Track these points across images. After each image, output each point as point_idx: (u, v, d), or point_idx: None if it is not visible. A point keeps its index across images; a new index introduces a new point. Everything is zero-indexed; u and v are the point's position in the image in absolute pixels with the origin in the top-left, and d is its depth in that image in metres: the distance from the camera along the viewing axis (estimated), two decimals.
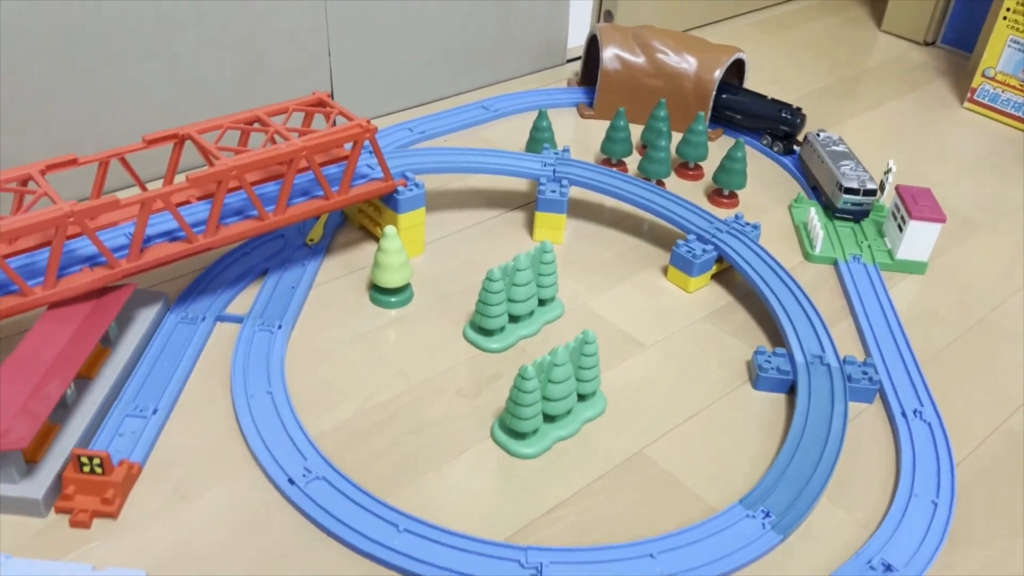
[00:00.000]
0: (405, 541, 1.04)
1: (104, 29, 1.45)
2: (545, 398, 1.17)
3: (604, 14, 2.24)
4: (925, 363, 1.38)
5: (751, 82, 2.19)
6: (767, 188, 1.81)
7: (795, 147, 1.89)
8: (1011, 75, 2.08)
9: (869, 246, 1.61)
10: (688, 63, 1.92)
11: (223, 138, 1.34)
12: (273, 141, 1.32)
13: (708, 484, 1.17)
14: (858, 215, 1.67)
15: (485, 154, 1.60)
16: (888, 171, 1.67)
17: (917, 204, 1.56)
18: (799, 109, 1.89)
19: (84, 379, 1.18)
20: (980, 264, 1.64)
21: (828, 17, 2.65)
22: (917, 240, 1.56)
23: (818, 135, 1.77)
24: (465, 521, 1.08)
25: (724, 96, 1.93)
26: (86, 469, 1.04)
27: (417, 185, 1.46)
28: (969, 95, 2.16)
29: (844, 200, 1.64)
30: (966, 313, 1.51)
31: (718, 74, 1.90)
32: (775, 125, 1.89)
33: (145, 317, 1.29)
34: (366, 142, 1.39)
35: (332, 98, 1.75)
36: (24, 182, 1.19)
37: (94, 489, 1.05)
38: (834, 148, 1.73)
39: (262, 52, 1.67)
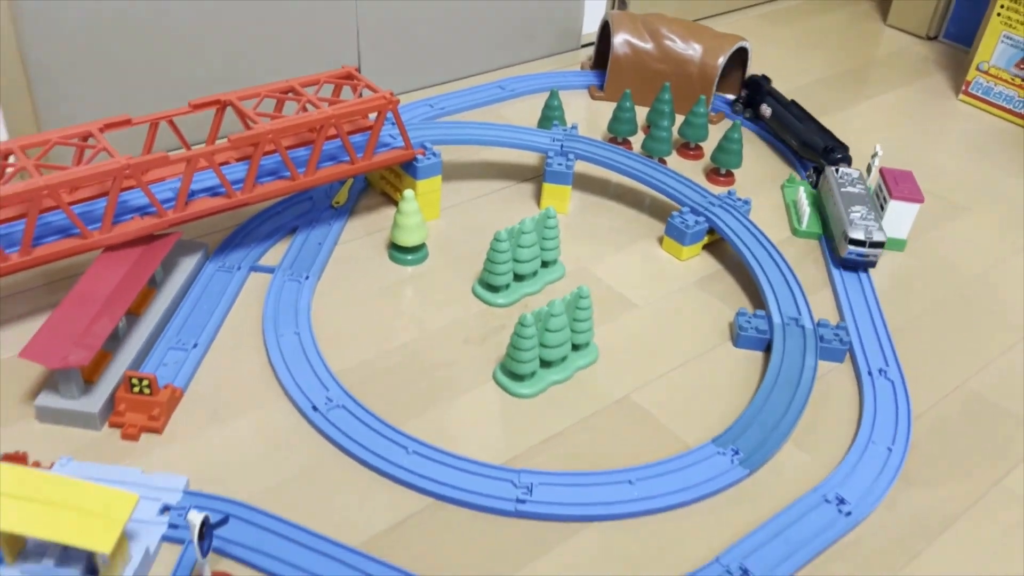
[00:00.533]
0: (414, 461, 1.18)
1: (158, 5, 1.59)
2: (542, 344, 1.31)
3: (618, 2, 2.36)
4: (896, 330, 1.51)
5: (753, 71, 2.30)
6: (763, 169, 1.93)
7: None
8: (1003, 69, 2.18)
9: None
10: (694, 50, 2.04)
11: (260, 105, 1.48)
12: (305, 109, 1.46)
13: (686, 426, 1.30)
14: (863, 266, 1.60)
15: (498, 128, 1.74)
16: (875, 155, 1.78)
17: (898, 185, 1.68)
18: (846, 148, 1.80)
19: (133, 315, 1.33)
20: (960, 243, 1.76)
21: (836, 11, 2.76)
22: (897, 218, 1.68)
23: (836, 171, 1.71)
24: (467, 447, 1.22)
25: (769, 105, 1.92)
26: (136, 390, 1.19)
27: (434, 154, 1.59)
28: (964, 88, 2.26)
29: (849, 251, 1.57)
30: (940, 287, 1.63)
31: (721, 61, 2.02)
32: (817, 158, 1.82)
33: (187, 264, 1.44)
34: (389, 113, 1.52)
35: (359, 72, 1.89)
36: (84, 138, 1.34)
37: (142, 408, 1.20)
38: (849, 189, 1.65)
39: (297, 28, 1.80)
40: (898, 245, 1.71)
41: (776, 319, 1.45)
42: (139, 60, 1.63)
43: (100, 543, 0.93)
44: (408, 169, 1.59)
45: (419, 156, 1.57)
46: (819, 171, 1.80)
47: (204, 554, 0.95)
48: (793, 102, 1.94)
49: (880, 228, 1.57)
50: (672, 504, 1.17)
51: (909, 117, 2.20)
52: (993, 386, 1.43)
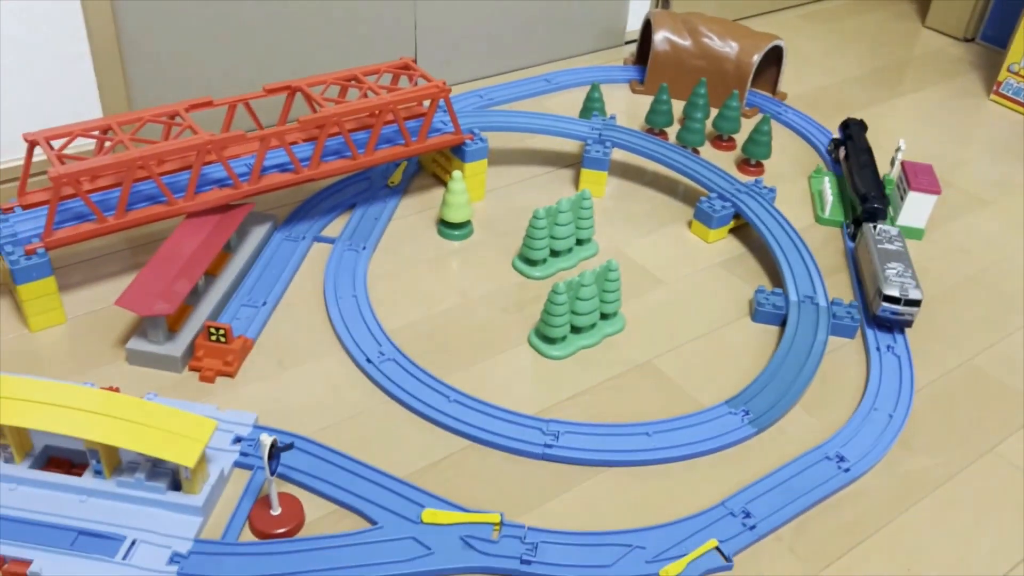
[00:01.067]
0: (454, 408, 1.32)
1: (234, 5, 1.77)
2: (573, 312, 1.44)
3: (661, 1, 2.48)
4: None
5: (791, 68, 2.41)
6: (792, 160, 2.04)
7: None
8: None
9: None
10: (730, 47, 2.16)
11: (326, 91, 1.64)
12: (366, 96, 1.61)
13: (702, 389, 1.43)
14: (898, 325, 1.52)
15: (541, 117, 1.87)
16: (898, 149, 1.88)
17: (917, 178, 1.77)
18: (886, 201, 1.71)
19: (211, 276, 1.50)
20: (977, 234, 1.85)
21: (876, 12, 2.84)
22: (915, 209, 1.78)
23: (874, 227, 1.63)
24: (502, 399, 1.36)
25: (846, 148, 1.88)
26: (213, 338, 1.36)
27: (482, 140, 1.74)
28: (995, 88, 2.34)
29: (883, 308, 1.50)
30: (954, 272, 1.73)
31: (756, 58, 2.13)
32: (856, 204, 1.74)
33: (258, 233, 1.60)
34: (441, 101, 1.67)
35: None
36: (172, 117, 1.51)
37: (218, 354, 1.36)
38: (887, 246, 1.58)
39: (361, 23, 1.96)
40: (916, 234, 1.80)
41: (792, 297, 1.56)
42: (220, 48, 1.80)
43: (185, 458, 1.09)
44: (457, 153, 1.74)
45: (467, 141, 1.72)
46: (857, 223, 1.72)
47: (272, 472, 1.11)
48: (867, 149, 1.86)
49: (917, 286, 1.49)
50: (685, 455, 1.30)
51: (939, 115, 2.28)
52: (996, 364, 1.52)
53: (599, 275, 1.48)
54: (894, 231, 1.62)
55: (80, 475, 1.16)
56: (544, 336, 1.46)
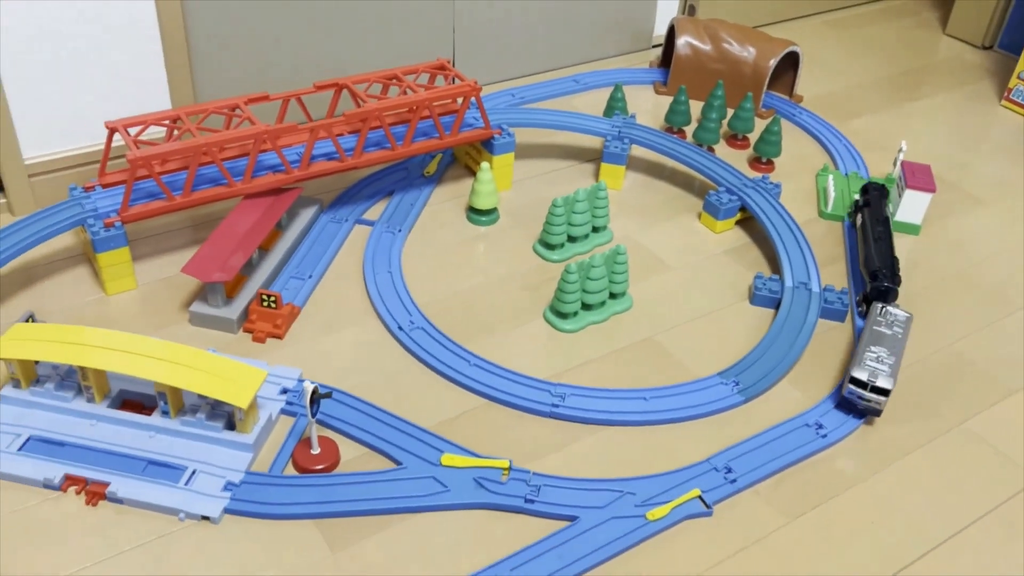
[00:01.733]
0: (474, 371, 1.50)
1: (291, 5, 1.95)
2: (584, 290, 1.61)
3: (688, 8, 2.62)
4: (900, 298, 1.74)
5: (811, 72, 2.54)
6: (803, 159, 2.17)
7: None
8: None
9: None
10: (748, 52, 2.29)
11: (369, 88, 1.82)
12: (405, 93, 1.79)
13: (699, 363, 1.58)
14: (862, 413, 1.46)
15: (566, 115, 2.04)
16: (900, 150, 2.00)
17: (915, 176, 1.90)
18: (897, 281, 1.64)
19: (263, 250, 1.69)
20: (972, 231, 1.97)
21: (899, 19, 2.94)
22: (912, 205, 1.91)
23: (880, 308, 1.56)
24: (516, 365, 1.53)
25: (863, 216, 1.80)
26: (265, 304, 1.54)
27: (509, 135, 1.90)
28: (1006, 94, 2.44)
29: (849, 391, 1.45)
30: (946, 265, 1.86)
31: (772, 62, 2.27)
32: (867, 280, 1.68)
33: (306, 215, 1.79)
34: (472, 99, 1.84)
35: (452, 65, 2.23)
36: (232, 109, 1.70)
37: (269, 318, 1.55)
38: (883, 329, 1.51)
39: (403, 26, 2.14)
40: (913, 229, 1.93)
41: (788, 283, 1.70)
42: (276, 48, 1.99)
43: (239, 400, 1.28)
44: (487, 146, 1.91)
45: (496, 135, 1.89)
46: (868, 299, 1.66)
47: (313, 415, 1.29)
48: (884, 219, 1.79)
49: (891, 375, 1.42)
50: (676, 418, 1.45)
51: (949, 119, 2.39)
52: (974, 349, 1.65)
53: (608, 258, 1.64)
54: (902, 315, 1.53)
55: (149, 415, 1.35)
56: (557, 311, 1.62)
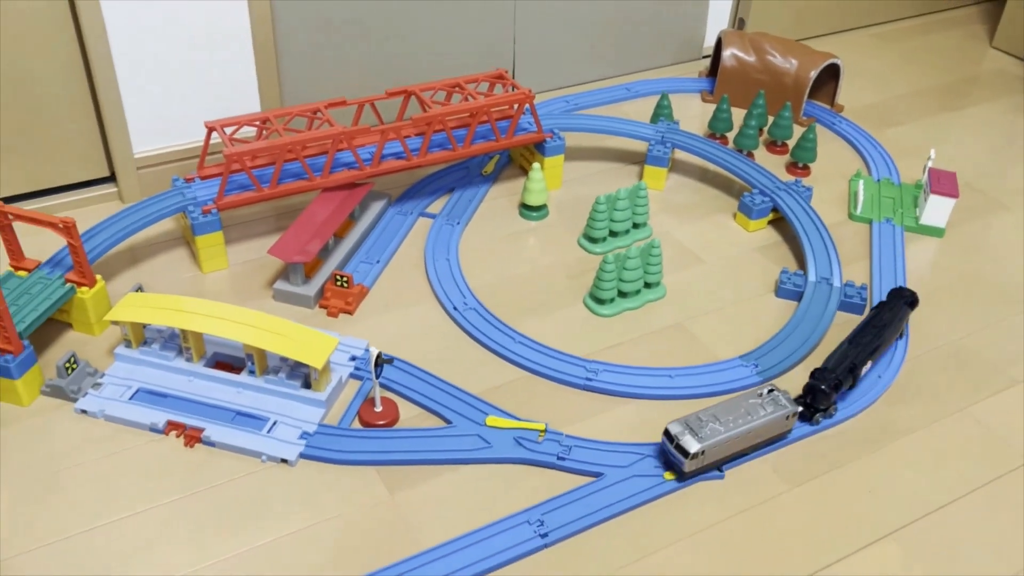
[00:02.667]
0: (518, 347, 1.69)
1: (369, 22, 2.17)
2: (620, 279, 1.78)
3: (737, 21, 2.77)
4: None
5: (852, 82, 2.66)
6: (839, 165, 2.31)
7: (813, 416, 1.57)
8: None
9: (902, 213, 2.09)
10: (790, 64, 2.44)
11: (435, 95, 2.02)
12: (466, 100, 1.99)
13: (723, 348, 1.74)
14: (671, 466, 1.46)
15: (612, 120, 2.22)
16: (929, 158, 2.13)
17: (939, 183, 2.03)
18: (835, 386, 1.54)
19: (338, 237, 1.91)
20: (996, 235, 2.08)
21: (947, 31, 3.04)
22: (935, 210, 2.03)
23: (771, 390, 1.51)
24: (557, 344, 1.71)
25: (881, 305, 1.71)
26: (338, 283, 1.76)
27: (560, 138, 2.09)
28: None
29: (663, 438, 1.45)
30: (965, 265, 1.98)
31: (813, 74, 2.41)
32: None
33: (376, 207, 2.01)
34: (527, 105, 2.03)
35: (513, 74, 2.43)
36: (314, 112, 1.93)
37: (341, 296, 1.77)
38: (750, 402, 1.48)
39: (467, 38, 2.34)
40: (937, 233, 2.06)
41: (811, 278, 1.85)
42: (353, 58, 2.21)
43: (315, 361, 1.49)
44: (539, 148, 2.10)
45: (547, 139, 2.08)
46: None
47: (377, 378, 1.50)
48: (883, 326, 1.66)
49: (701, 442, 1.41)
50: (698, 394, 1.62)
51: (986, 128, 2.50)
52: (984, 342, 1.78)
53: (644, 251, 1.81)
54: (787, 408, 1.49)
55: (238, 374, 1.58)
56: (595, 298, 1.80)
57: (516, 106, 2.03)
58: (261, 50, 2.04)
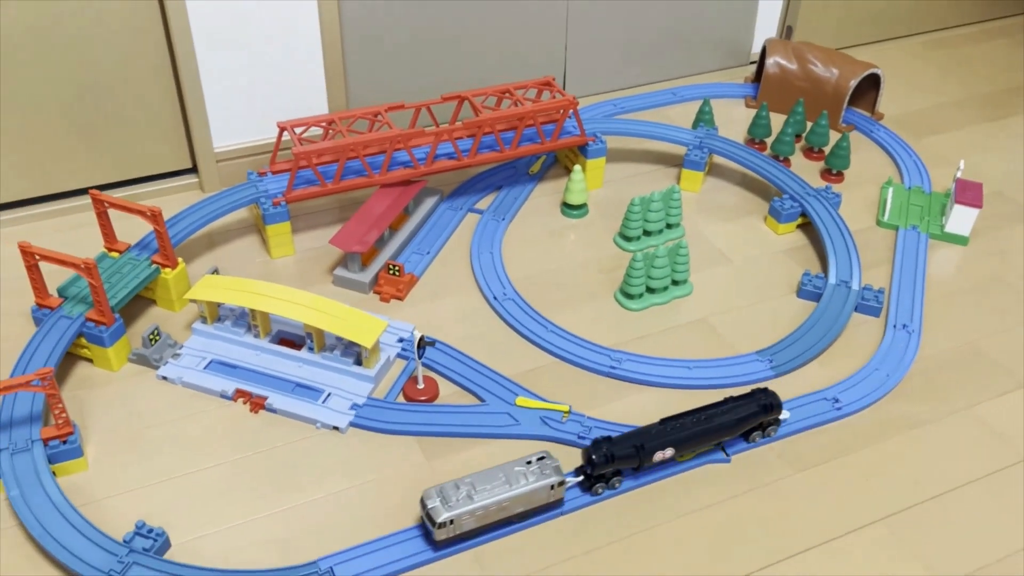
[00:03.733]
0: (550, 336, 1.85)
1: (427, 31, 2.35)
2: (648, 276, 1.92)
3: (786, 30, 2.86)
4: (934, 299, 1.97)
5: (897, 90, 2.73)
6: (873, 172, 2.40)
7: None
8: None
9: (929, 220, 2.18)
10: (831, 73, 2.53)
11: (486, 100, 2.19)
12: (515, 105, 2.15)
13: (742, 342, 1.87)
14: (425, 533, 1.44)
15: (653, 125, 2.35)
16: (958, 169, 2.21)
17: (964, 193, 2.11)
18: (601, 458, 1.51)
19: (393, 229, 2.09)
20: (1018, 243, 2.15)
21: (998, 40, 3.07)
22: (960, 219, 2.12)
23: (542, 457, 1.49)
24: (586, 334, 1.86)
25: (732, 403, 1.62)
26: (391, 272, 1.94)
27: (601, 142, 2.24)
28: None
29: (421, 500, 1.43)
30: (983, 272, 2.06)
31: (853, 83, 2.50)
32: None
33: (428, 203, 2.19)
34: (571, 111, 2.18)
35: (565, 78, 2.58)
36: (375, 115, 2.11)
37: (393, 284, 1.95)
38: (514, 470, 1.46)
39: (520, 45, 2.50)
40: (961, 240, 2.14)
41: (832, 280, 1.97)
42: (412, 65, 2.39)
43: (366, 341, 1.68)
44: (582, 150, 2.25)
45: (590, 142, 2.22)
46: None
47: (419, 358, 1.67)
48: (715, 415, 1.59)
49: (451, 511, 1.40)
50: (714, 385, 1.76)
51: (1021, 139, 2.55)
52: (995, 345, 1.87)
53: (672, 251, 1.95)
54: (551, 478, 1.46)
55: (298, 350, 1.77)
56: (625, 293, 1.95)
57: (561, 111, 2.18)
58: (329, 55, 2.23)
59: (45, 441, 1.53)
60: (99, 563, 1.37)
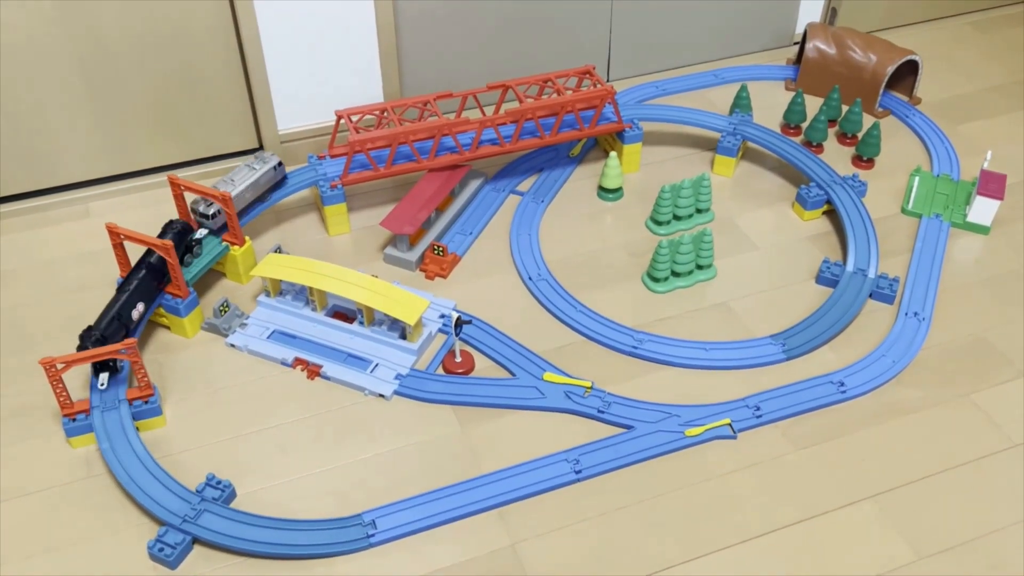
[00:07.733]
0: (579, 316, 2.01)
1: (476, 25, 2.48)
2: (673, 262, 2.06)
3: (830, 11, 2.91)
4: (949, 288, 2.07)
5: (938, 74, 2.77)
6: (903, 158, 2.48)
7: None
8: None
9: (952, 209, 2.26)
10: (869, 59, 2.59)
11: (528, 89, 2.33)
12: (556, 94, 2.28)
13: (759, 326, 2.01)
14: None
15: (688, 111, 2.46)
16: (985, 159, 2.27)
17: (987, 184, 2.19)
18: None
19: (439, 211, 2.26)
20: None
21: None
22: (982, 210, 2.19)
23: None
24: (614, 315, 2.02)
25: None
26: (436, 252, 2.12)
27: (638, 128, 2.36)
28: None
29: None
30: (1003, 263, 2.15)
31: (890, 69, 2.56)
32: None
33: (473, 185, 2.35)
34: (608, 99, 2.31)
35: (610, 60, 2.70)
36: (424, 103, 2.27)
37: (437, 263, 2.13)
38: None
39: (565, 29, 2.61)
40: (983, 230, 2.22)
41: (849, 268, 2.08)
42: (459, 56, 2.53)
43: (409, 318, 1.86)
44: (619, 136, 2.38)
45: (627, 128, 2.35)
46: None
47: (457, 335, 1.86)
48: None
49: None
50: (728, 366, 1.90)
51: None
52: (1001, 336, 1.97)
53: (697, 237, 2.08)
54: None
55: (351, 323, 1.97)
56: (651, 276, 2.09)
57: (598, 100, 2.31)
58: (384, 44, 2.39)
59: (130, 401, 1.77)
60: (176, 508, 1.61)
